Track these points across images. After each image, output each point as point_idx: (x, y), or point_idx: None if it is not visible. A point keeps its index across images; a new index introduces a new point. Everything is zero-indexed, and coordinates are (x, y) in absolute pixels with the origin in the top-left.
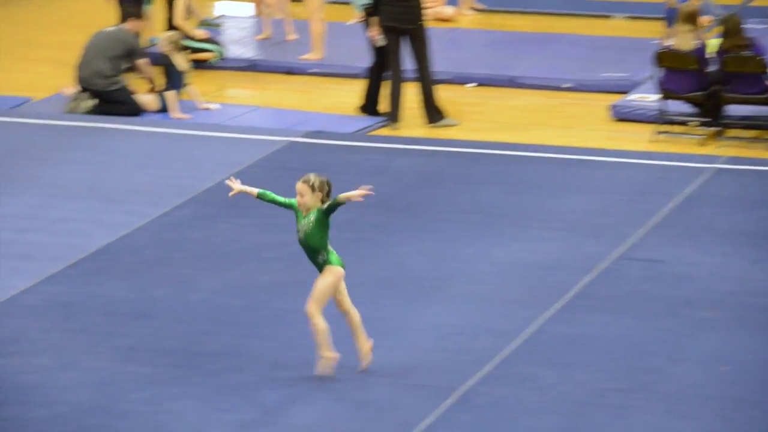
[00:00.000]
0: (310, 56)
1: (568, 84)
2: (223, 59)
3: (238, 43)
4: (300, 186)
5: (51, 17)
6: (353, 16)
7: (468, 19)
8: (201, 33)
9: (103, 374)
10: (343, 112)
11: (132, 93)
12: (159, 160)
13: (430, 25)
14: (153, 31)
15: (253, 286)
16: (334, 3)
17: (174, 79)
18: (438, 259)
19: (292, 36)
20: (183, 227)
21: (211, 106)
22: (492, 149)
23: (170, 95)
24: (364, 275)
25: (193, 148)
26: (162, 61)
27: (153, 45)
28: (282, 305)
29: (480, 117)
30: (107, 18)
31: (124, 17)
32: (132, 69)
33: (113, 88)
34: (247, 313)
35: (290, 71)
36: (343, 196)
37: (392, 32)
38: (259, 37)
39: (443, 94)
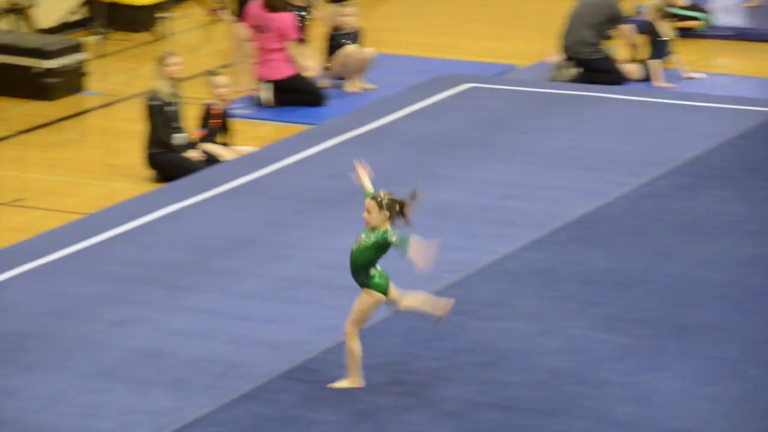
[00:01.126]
0: None
1: None
2: (709, 27)
3: (725, 11)
4: (368, 202)
5: None
6: None
7: None
8: (686, 1)
9: (582, 342)
10: None
11: (615, 61)
12: (641, 129)
13: None
14: None
15: (734, 259)
16: None
17: (658, 48)
18: None
19: None
20: (663, 197)
21: (697, 75)
22: None
23: (654, 64)
24: None
25: (676, 118)
26: (647, 29)
27: (638, 13)
28: (764, 280)
29: None
30: None
31: None
32: (615, 36)
33: (597, 56)
34: (728, 286)
35: None
36: (411, 250)
37: None
38: (748, 4)
39: None
